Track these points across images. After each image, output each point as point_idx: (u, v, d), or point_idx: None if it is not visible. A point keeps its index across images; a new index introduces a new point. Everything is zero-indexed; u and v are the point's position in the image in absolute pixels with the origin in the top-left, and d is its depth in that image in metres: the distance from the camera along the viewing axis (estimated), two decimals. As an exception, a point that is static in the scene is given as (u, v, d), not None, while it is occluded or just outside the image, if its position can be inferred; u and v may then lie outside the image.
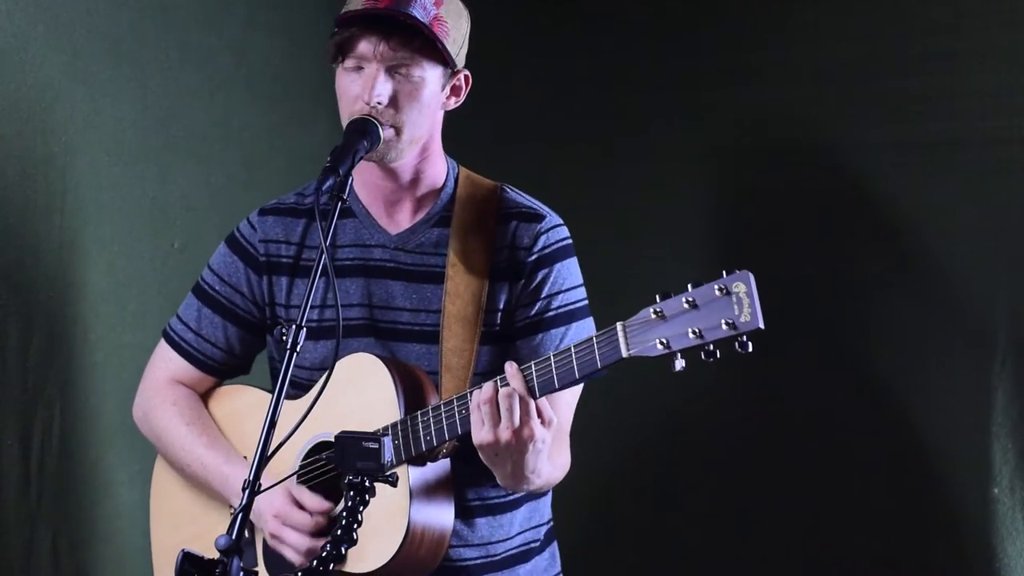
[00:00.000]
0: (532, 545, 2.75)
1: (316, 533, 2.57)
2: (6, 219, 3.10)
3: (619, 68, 3.90)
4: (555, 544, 2.82)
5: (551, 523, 2.82)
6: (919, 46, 3.56)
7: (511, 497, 2.68)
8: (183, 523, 2.81)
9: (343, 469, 2.38)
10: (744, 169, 3.79)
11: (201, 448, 2.75)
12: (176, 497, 2.83)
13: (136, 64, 3.38)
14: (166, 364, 2.84)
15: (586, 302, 2.70)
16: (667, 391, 3.58)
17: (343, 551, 2.35)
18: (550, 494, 2.80)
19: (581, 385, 2.56)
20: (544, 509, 2.78)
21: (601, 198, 3.85)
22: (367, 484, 2.36)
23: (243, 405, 2.79)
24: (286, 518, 2.57)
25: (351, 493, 2.35)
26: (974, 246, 3.50)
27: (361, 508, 2.35)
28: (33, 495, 3.16)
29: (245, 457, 2.73)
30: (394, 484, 2.37)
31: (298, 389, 2.67)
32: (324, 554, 2.35)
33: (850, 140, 3.64)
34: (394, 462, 2.45)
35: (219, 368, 2.82)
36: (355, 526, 2.34)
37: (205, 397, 2.84)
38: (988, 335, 3.49)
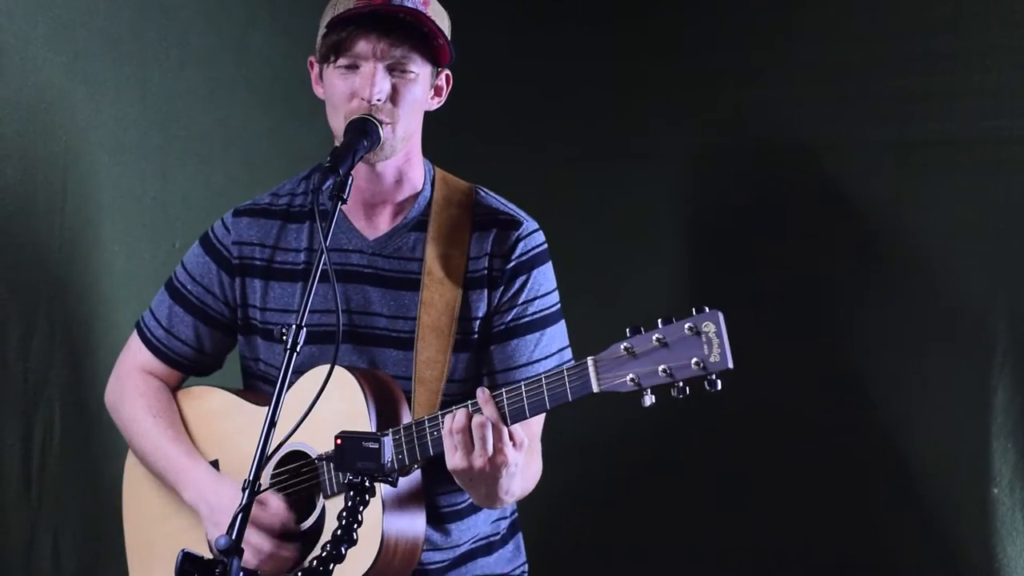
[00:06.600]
0: (493, 539, 2.76)
1: (278, 538, 2.58)
2: (7, 219, 3.10)
3: (619, 67, 3.89)
4: (519, 536, 2.82)
5: (515, 515, 2.82)
6: (919, 46, 3.56)
7: None
8: (155, 520, 2.81)
9: (343, 469, 2.38)
10: (743, 169, 3.78)
11: (166, 441, 2.77)
12: (148, 494, 2.83)
13: (136, 64, 3.38)
14: (136, 356, 2.86)
15: (559, 306, 2.70)
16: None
17: (343, 551, 2.35)
18: None
19: None
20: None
21: (598, 197, 3.85)
22: (367, 484, 2.36)
23: (211, 408, 2.80)
24: (253, 518, 2.49)
25: (351, 493, 2.35)
26: (974, 246, 3.50)
27: (361, 508, 2.35)
28: (34, 495, 3.16)
29: (214, 462, 2.74)
30: (394, 484, 2.38)
31: (271, 387, 2.66)
32: (324, 554, 2.35)
33: (850, 140, 3.64)
34: (394, 463, 2.43)
35: (188, 365, 2.84)
36: (355, 526, 2.34)
37: (174, 393, 2.85)
38: (988, 335, 3.48)
